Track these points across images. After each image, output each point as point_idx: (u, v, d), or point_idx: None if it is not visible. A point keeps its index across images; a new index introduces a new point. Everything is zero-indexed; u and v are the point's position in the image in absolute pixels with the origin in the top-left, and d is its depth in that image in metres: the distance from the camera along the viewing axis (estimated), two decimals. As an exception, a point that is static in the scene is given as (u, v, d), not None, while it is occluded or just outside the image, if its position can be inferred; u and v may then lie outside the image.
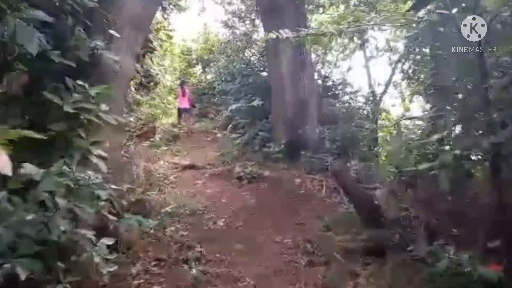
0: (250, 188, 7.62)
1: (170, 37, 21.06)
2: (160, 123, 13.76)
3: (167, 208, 5.58)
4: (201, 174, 8.80)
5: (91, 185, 2.45)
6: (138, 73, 8.46)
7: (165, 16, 20.44)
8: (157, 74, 10.07)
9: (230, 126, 11.85)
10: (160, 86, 21.12)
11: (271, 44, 9.01)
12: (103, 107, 3.28)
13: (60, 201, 2.18)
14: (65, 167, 2.42)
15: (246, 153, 9.42)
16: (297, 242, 5.04)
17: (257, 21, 12.49)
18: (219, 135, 12.62)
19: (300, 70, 8.85)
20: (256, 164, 8.45)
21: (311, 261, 4.48)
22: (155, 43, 9.66)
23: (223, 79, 12.79)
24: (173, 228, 5.22)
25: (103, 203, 2.70)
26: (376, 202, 5.13)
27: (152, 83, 12.76)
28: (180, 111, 13.11)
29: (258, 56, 11.18)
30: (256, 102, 8.96)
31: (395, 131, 9.51)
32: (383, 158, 10.91)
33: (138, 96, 11.99)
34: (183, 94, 12.67)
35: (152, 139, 9.71)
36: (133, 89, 10.26)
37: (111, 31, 3.70)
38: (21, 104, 3.00)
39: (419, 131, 7.14)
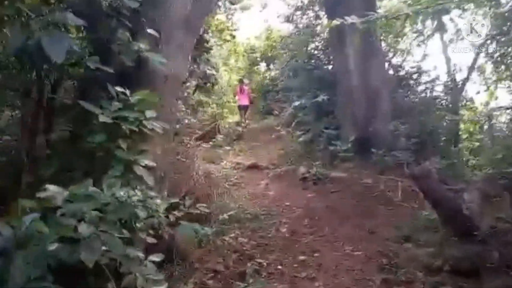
0: (316, 190, 7.11)
1: (233, 36, 21.31)
2: (224, 122, 13.80)
3: (227, 214, 5.30)
4: (264, 174, 8.49)
5: (129, 204, 2.20)
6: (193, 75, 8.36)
7: (229, 16, 20.77)
8: (213, 74, 9.90)
9: (294, 123, 11.42)
10: (222, 85, 21.43)
11: (335, 34, 8.40)
12: (149, 113, 3.04)
13: (85, 229, 1.94)
14: (93, 188, 2.19)
15: (311, 152, 8.90)
16: (370, 255, 4.43)
17: (321, 13, 11.80)
18: (282, 132, 12.25)
19: (369, 60, 8.08)
20: (322, 164, 7.90)
21: (387, 279, 3.86)
22: (213, 42, 9.49)
23: (286, 75, 12.34)
24: (232, 235, 4.93)
25: (142, 223, 2.44)
26: (465, 209, 4.32)
27: (209, 84, 13.14)
28: (240, 108, 13.70)
29: (322, 49, 10.47)
30: (321, 98, 8.38)
31: (484, 123, 8.29)
32: (467, 153, 9.67)
33: (201, 97, 12.08)
34: (242, 92, 13.24)
35: (214, 139, 9.60)
36: (190, 91, 10.31)
37: (155, 33, 3.45)
38: (67, 114, 2.88)
39: None
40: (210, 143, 9.59)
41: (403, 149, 7.45)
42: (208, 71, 9.16)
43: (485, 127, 9.79)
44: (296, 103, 8.73)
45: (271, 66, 18.88)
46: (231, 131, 12.62)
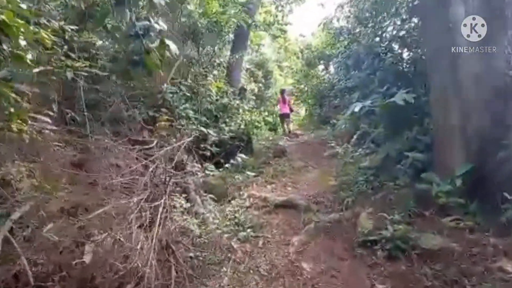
0: (391, 275, 3.63)
1: (284, 31, 18.18)
2: (260, 136, 10.70)
3: None
4: (300, 223, 5.15)
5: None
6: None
7: (279, 8, 17.72)
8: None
9: (355, 136, 7.93)
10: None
11: None
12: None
13: None
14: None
15: (381, 188, 5.35)
16: None
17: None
18: (338, 149, 8.81)
19: (494, 36, 4.39)
20: (402, 215, 4.36)
21: None
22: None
23: (343, 70, 8.83)
24: None
25: None
26: None
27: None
28: (283, 117, 13.67)
29: (403, 20, 6.45)
30: (401, 97, 4.82)
31: None
32: None
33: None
34: (283, 101, 13.45)
35: (233, 160, 6.43)
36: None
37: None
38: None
39: None
40: (228, 165, 6.47)
41: None
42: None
43: None
44: (357, 107, 5.20)
45: (330, 67, 15.49)
46: (266, 148, 9.41)
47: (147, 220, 3.78)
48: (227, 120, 8.24)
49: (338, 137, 10.50)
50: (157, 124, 5.93)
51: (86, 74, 4.54)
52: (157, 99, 6.18)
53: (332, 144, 10.00)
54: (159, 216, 3.91)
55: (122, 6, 2.52)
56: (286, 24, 17.21)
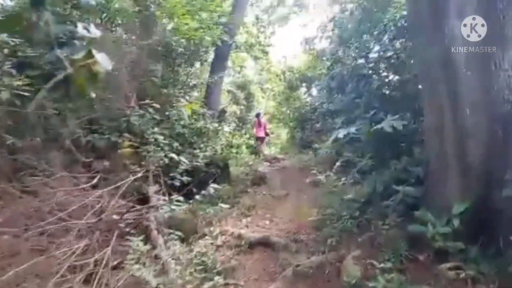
0: None
1: (266, 53, 17.87)
2: (238, 161, 10.09)
3: None
4: (277, 267, 4.49)
5: None
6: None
7: (261, 29, 17.47)
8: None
9: (338, 164, 7.41)
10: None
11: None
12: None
13: None
14: None
15: (369, 224, 4.75)
16: None
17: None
18: (320, 177, 8.28)
19: (496, 48, 3.96)
20: (393, 260, 3.77)
21: None
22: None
23: (326, 93, 8.35)
24: None
25: None
26: None
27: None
28: (258, 140, 14.07)
29: (391, 39, 5.87)
30: (389, 123, 4.29)
31: None
32: None
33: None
34: (259, 125, 13.99)
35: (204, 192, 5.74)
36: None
37: None
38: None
39: None
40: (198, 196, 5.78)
41: None
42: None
43: None
44: (340, 133, 4.63)
45: (312, 90, 15.21)
46: (245, 175, 8.81)
47: (86, 273, 3.07)
48: (202, 145, 7.60)
49: (320, 164, 10.00)
50: (118, 151, 5.26)
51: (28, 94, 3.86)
52: (121, 122, 5.52)
53: (314, 171, 9.49)
54: (103, 265, 3.21)
55: (40, 5, 1.92)
56: (268, 46, 16.96)
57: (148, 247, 4.19)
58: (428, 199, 4.24)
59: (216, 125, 9.36)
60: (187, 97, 8.67)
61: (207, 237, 5.08)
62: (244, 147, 14.71)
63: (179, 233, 4.94)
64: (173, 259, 4.24)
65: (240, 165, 10.96)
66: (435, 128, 4.20)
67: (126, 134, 5.33)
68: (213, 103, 11.80)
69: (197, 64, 10.08)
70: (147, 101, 6.19)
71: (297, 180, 9.40)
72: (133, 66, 6.47)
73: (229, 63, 20.83)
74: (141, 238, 4.20)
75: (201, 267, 4.30)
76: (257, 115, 14.61)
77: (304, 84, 16.03)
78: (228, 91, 20.52)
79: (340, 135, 4.73)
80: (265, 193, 7.85)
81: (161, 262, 4.08)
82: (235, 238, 5.19)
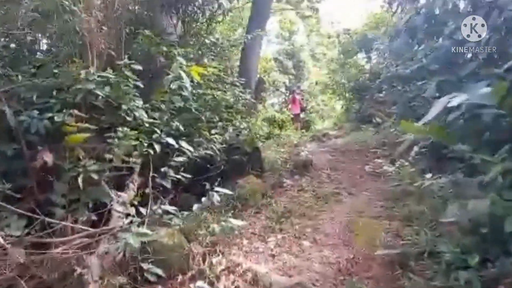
0: None
1: (315, 10, 15.04)
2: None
3: None
4: None
5: None
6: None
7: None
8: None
9: (416, 149, 5.01)
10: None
11: None
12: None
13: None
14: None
15: (497, 281, 2.36)
16: None
17: None
18: (385, 167, 5.97)
19: None
20: None
21: None
22: None
23: (403, 46, 5.62)
24: None
25: None
26: None
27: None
28: (294, 117, 13.29)
29: None
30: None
31: None
32: None
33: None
34: (294, 101, 13.61)
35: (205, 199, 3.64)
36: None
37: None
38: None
39: None
40: (196, 206, 3.70)
41: None
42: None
43: None
44: (455, 101, 2.22)
45: (373, 53, 12.40)
46: (283, 161, 6.62)
47: None
48: (220, 123, 5.47)
49: (387, 145, 7.51)
50: (65, 138, 3.30)
51: None
52: (73, 93, 3.52)
53: (376, 156, 7.08)
54: None
55: None
56: (317, 1, 14.11)
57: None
58: None
59: (248, 96, 7.20)
60: (206, 60, 6.55)
61: (199, 282, 2.98)
62: (289, 124, 12.55)
63: (157, 271, 2.95)
64: None
65: (283, 144, 8.82)
66: None
67: (76, 111, 3.32)
68: (248, 70, 9.58)
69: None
70: (125, 60, 4.15)
71: (353, 167, 7.08)
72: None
73: (277, 27, 18.39)
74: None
75: None
76: (292, 91, 14.38)
77: (362, 49, 13.15)
78: (275, 59, 18.14)
79: (454, 103, 2.27)
80: (308, 189, 5.62)
81: None
82: (247, 284, 3.05)
